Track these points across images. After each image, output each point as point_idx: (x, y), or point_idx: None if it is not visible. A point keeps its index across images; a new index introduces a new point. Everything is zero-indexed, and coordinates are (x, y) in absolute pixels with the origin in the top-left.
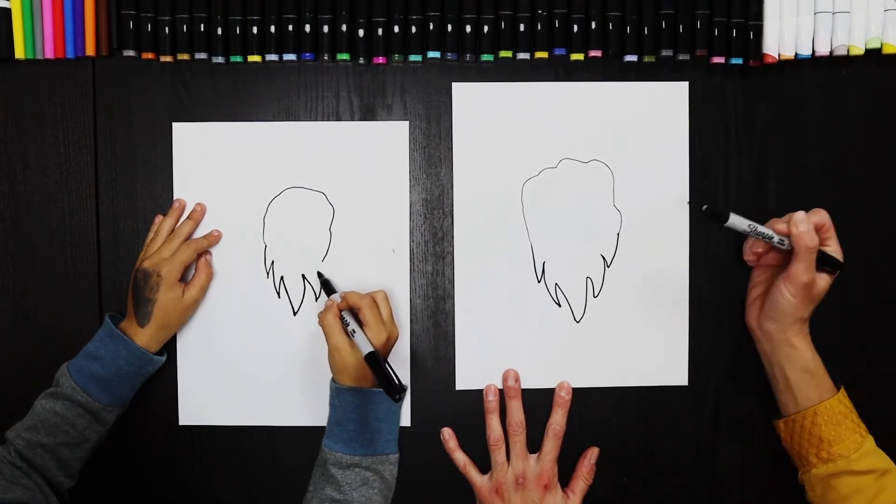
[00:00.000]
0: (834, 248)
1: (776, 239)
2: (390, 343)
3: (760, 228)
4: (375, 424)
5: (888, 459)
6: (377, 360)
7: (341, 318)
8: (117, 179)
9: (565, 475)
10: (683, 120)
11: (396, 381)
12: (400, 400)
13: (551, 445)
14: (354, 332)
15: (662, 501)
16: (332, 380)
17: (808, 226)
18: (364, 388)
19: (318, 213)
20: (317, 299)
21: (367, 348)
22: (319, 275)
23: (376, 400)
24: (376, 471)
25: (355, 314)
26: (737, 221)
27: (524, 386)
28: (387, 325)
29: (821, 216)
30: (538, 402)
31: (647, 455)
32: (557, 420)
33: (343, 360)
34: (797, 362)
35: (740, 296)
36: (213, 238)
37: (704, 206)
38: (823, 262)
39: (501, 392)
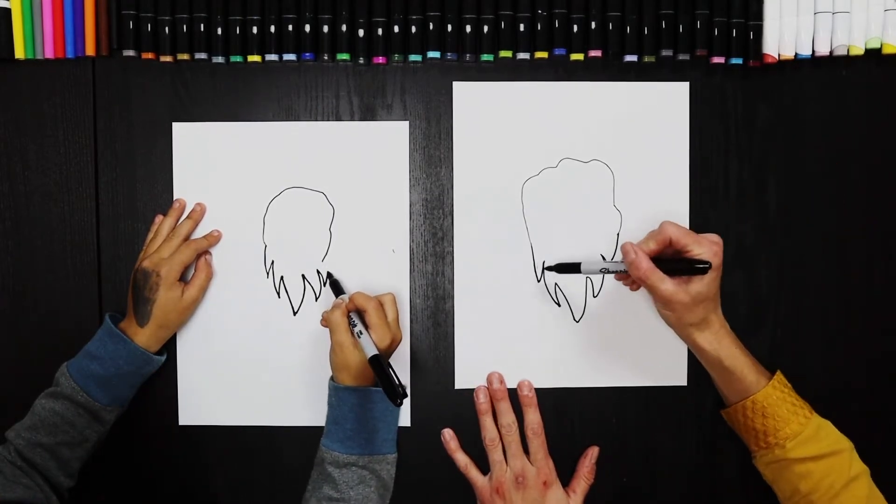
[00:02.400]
0: (698, 252)
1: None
2: (393, 346)
3: (612, 267)
4: (373, 424)
5: (838, 440)
6: (381, 364)
7: (348, 317)
8: (117, 179)
9: (566, 475)
10: (683, 120)
11: (399, 386)
12: (400, 404)
13: (537, 444)
14: (361, 333)
15: (662, 501)
16: (331, 378)
17: (633, 255)
18: (362, 387)
19: (318, 213)
20: (317, 299)
21: (371, 350)
22: (329, 275)
23: (374, 399)
24: (373, 470)
25: (361, 316)
26: (589, 267)
27: None
28: (392, 328)
29: (665, 232)
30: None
31: (647, 455)
32: (532, 419)
33: (345, 358)
34: (708, 362)
35: (739, 296)
36: (213, 238)
37: (550, 265)
38: (686, 268)
39: None
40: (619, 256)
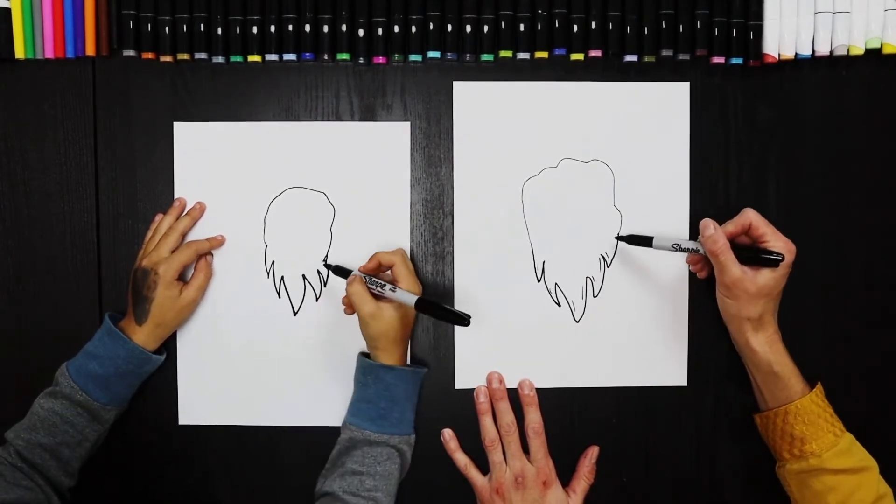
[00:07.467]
0: (775, 244)
1: (702, 250)
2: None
3: (685, 244)
4: (403, 404)
5: (866, 457)
6: (429, 301)
7: (367, 288)
8: (117, 179)
9: (566, 475)
10: (684, 120)
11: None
12: (468, 324)
13: (537, 444)
14: (394, 289)
15: (662, 501)
16: (361, 356)
17: (712, 231)
18: (396, 366)
19: (319, 213)
20: (317, 299)
21: (411, 299)
22: (328, 265)
23: (406, 378)
24: (400, 449)
25: (380, 277)
26: (661, 242)
27: None
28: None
29: (746, 217)
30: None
31: (647, 455)
32: (532, 418)
33: (379, 326)
34: (758, 365)
35: None
36: (216, 242)
37: (624, 235)
38: (758, 256)
39: None
40: (620, 257)
